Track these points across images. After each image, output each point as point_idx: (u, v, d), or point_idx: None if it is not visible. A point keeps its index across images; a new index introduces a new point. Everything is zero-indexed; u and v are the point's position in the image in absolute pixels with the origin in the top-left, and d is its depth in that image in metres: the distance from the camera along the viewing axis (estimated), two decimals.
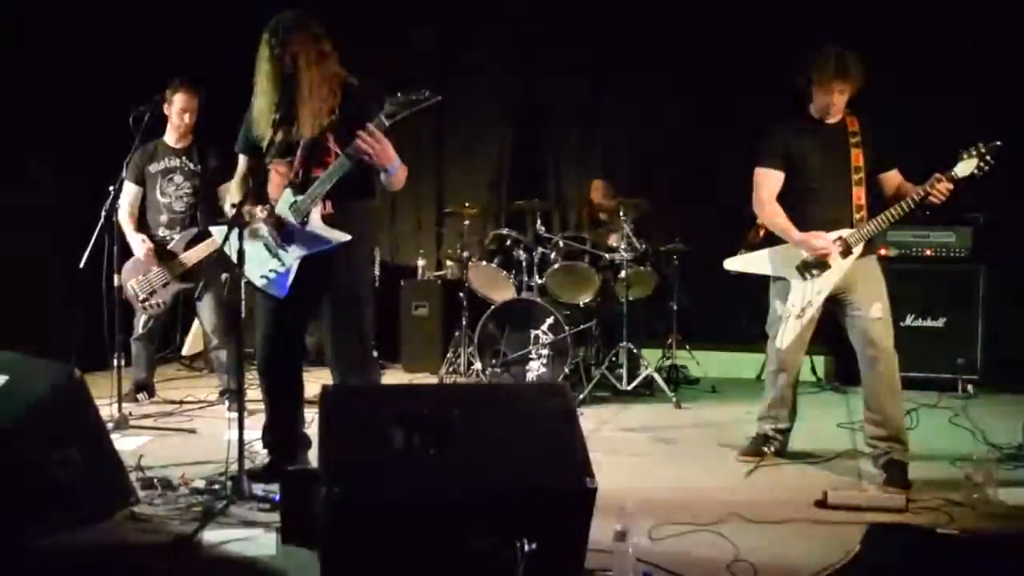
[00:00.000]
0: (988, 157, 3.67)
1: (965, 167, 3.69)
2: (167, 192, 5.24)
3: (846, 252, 3.85)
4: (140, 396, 5.44)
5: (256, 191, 3.64)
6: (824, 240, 3.85)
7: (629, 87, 7.11)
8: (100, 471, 3.25)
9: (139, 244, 5.19)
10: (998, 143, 3.68)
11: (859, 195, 3.88)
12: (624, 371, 5.83)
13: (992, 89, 5.85)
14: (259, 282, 3.67)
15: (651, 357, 6.14)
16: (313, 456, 3.76)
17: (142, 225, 5.28)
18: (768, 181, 4.01)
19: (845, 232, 3.86)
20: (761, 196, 4.03)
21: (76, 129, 6.14)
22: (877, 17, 6.00)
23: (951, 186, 3.69)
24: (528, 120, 7.51)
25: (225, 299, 5.26)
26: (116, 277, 5.10)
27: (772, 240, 4.08)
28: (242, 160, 3.79)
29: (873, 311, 3.84)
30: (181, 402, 5.42)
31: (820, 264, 3.88)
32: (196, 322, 5.81)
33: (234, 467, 3.43)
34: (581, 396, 5.45)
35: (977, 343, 5.82)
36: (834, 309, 4.00)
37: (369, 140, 3.36)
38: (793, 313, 3.95)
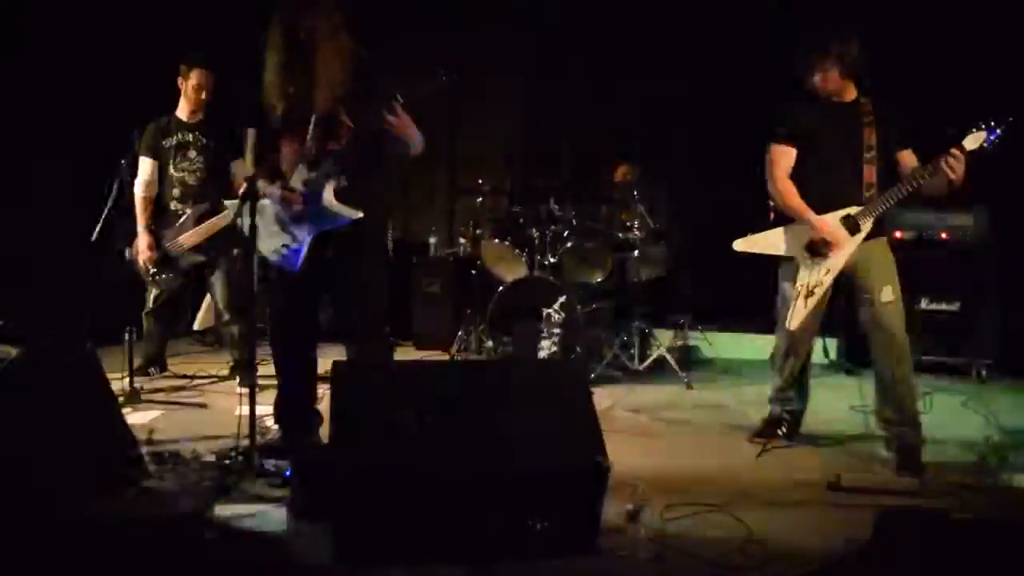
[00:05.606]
0: (998, 130, 3.63)
1: (973, 140, 3.64)
2: (181, 167, 5.21)
3: (854, 229, 3.83)
4: (151, 370, 5.45)
5: (268, 166, 3.63)
6: (836, 235, 3.81)
7: (644, 65, 7.04)
8: (111, 445, 3.26)
9: (145, 247, 5.14)
10: (1009, 118, 3.62)
11: (870, 173, 3.85)
12: (636, 351, 5.82)
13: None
14: (272, 257, 3.66)
15: (663, 337, 6.12)
16: (325, 432, 3.77)
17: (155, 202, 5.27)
18: (781, 158, 3.99)
19: (853, 210, 3.84)
20: (774, 173, 4.01)
21: (85, 99, 6.12)
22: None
23: (963, 159, 3.61)
24: (543, 97, 7.45)
25: (237, 273, 5.25)
26: (127, 251, 5.11)
27: (780, 220, 4.05)
28: (252, 134, 3.76)
29: (884, 295, 3.81)
30: (192, 377, 5.43)
31: (828, 243, 3.86)
32: (208, 296, 5.82)
33: (245, 442, 3.43)
34: (592, 376, 5.43)
35: (992, 327, 5.77)
36: (845, 292, 3.97)
37: (395, 119, 3.35)
38: (802, 293, 3.92)
